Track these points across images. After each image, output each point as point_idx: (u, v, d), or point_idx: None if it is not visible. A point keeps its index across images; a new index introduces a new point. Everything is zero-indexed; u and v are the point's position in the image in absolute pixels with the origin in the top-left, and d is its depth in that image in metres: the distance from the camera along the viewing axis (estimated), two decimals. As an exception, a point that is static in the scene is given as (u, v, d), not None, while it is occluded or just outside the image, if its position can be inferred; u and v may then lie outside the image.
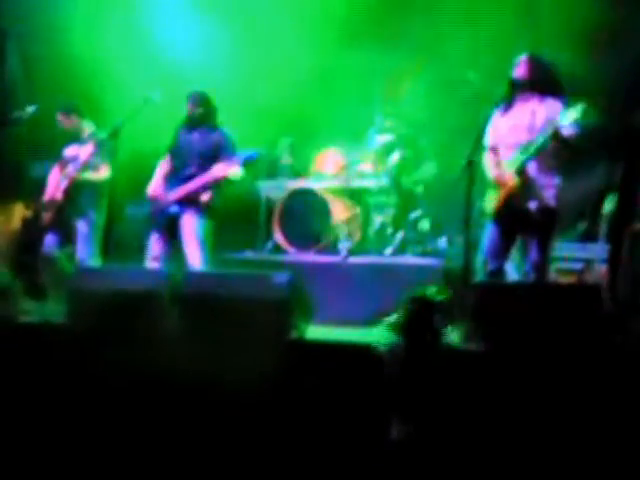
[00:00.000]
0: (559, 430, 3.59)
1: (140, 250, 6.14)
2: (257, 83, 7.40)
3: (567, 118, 5.05)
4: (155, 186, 6.35)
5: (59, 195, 6.63)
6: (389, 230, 7.37)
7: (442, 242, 7.29)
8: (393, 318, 3.81)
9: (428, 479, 3.49)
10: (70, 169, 6.61)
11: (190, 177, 6.17)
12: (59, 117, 6.79)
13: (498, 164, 5.38)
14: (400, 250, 7.23)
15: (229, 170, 6.07)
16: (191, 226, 6.14)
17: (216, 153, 6.20)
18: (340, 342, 4.74)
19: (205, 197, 6.17)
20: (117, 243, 6.88)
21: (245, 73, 7.44)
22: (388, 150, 7.51)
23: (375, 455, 3.55)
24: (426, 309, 3.70)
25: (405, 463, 3.46)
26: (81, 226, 6.66)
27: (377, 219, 7.42)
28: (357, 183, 7.48)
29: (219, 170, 6.08)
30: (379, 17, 7.58)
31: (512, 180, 5.22)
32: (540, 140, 5.14)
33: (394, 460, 3.49)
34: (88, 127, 6.80)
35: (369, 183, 7.47)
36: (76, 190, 6.67)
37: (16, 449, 4.51)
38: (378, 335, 3.81)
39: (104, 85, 7.11)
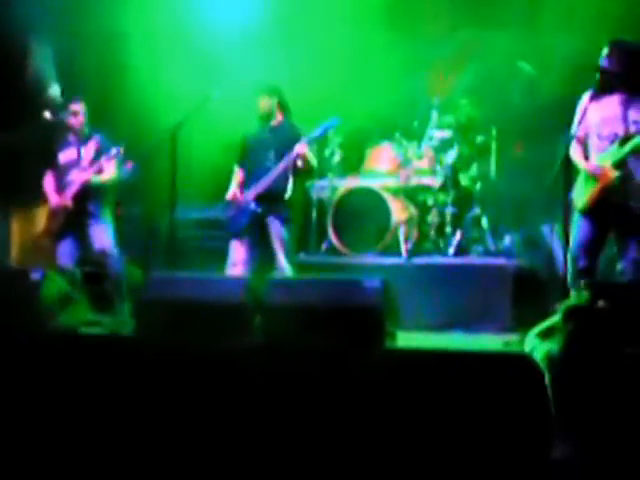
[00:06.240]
0: None
1: (205, 255, 5.81)
2: (308, 78, 7.08)
3: None
4: (233, 191, 6.21)
5: (68, 201, 6.21)
6: (447, 229, 7.06)
7: (506, 241, 6.98)
8: (547, 325, 3.49)
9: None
10: (76, 173, 6.21)
11: (266, 170, 5.99)
12: (72, 109, 6.29)
13: (586, 156, 5.11)
14: (462, 250, 6.92)
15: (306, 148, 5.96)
16: (277, 228, 6.01)
17: (292, 145, 6.00)
18: (444, 350, 4.42)
19: (288, 194, 6.06)
20: (180, 249, 6.51)
21: (296, 69, 7.13)
22: (445, 146, 7.20)
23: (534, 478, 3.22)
24: (588, 316, 3.38)
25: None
26: (95, 230, 6.24)
27: (434, 218, 7.11)
28: (414, 181, 7.16)
29: (297, 149, 5.91)
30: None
31: (611, 173, 4.93)
32: None
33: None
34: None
35: (426, 181, 7.16)
36: (85, 194, 6.24)
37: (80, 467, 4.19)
38: (531, 343, 3.47)
39: (154, 86, 6.77)
